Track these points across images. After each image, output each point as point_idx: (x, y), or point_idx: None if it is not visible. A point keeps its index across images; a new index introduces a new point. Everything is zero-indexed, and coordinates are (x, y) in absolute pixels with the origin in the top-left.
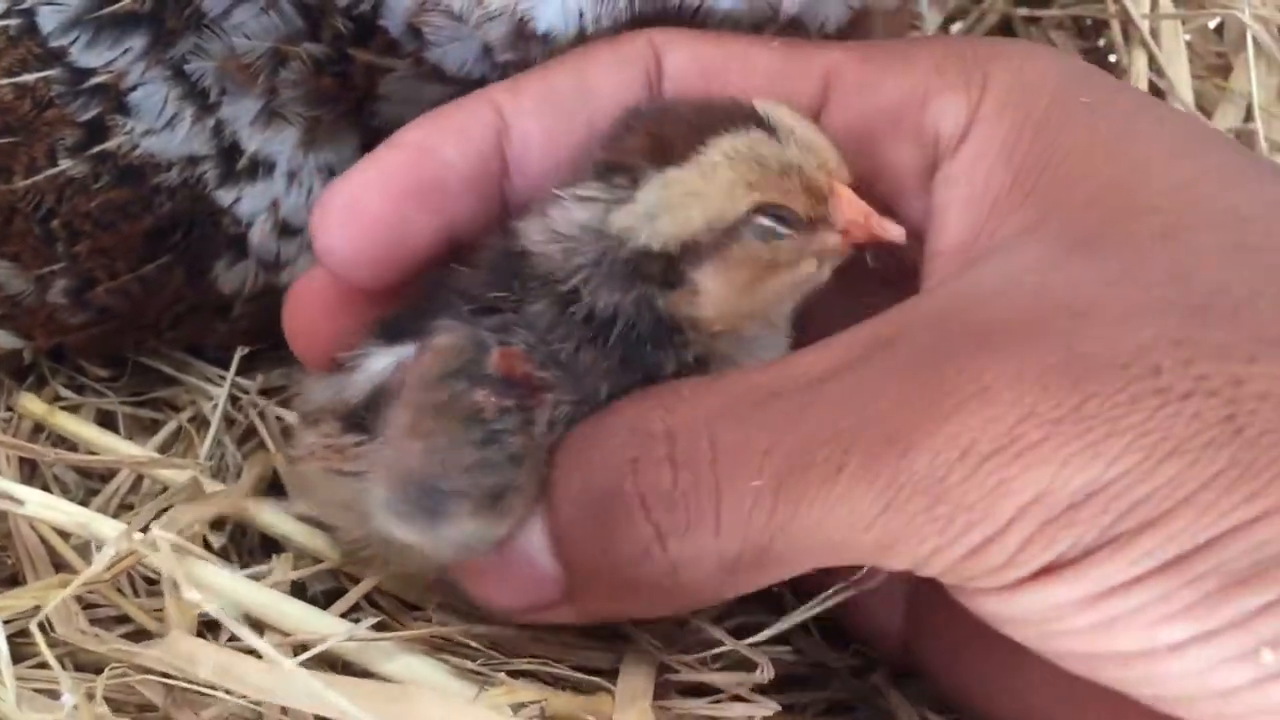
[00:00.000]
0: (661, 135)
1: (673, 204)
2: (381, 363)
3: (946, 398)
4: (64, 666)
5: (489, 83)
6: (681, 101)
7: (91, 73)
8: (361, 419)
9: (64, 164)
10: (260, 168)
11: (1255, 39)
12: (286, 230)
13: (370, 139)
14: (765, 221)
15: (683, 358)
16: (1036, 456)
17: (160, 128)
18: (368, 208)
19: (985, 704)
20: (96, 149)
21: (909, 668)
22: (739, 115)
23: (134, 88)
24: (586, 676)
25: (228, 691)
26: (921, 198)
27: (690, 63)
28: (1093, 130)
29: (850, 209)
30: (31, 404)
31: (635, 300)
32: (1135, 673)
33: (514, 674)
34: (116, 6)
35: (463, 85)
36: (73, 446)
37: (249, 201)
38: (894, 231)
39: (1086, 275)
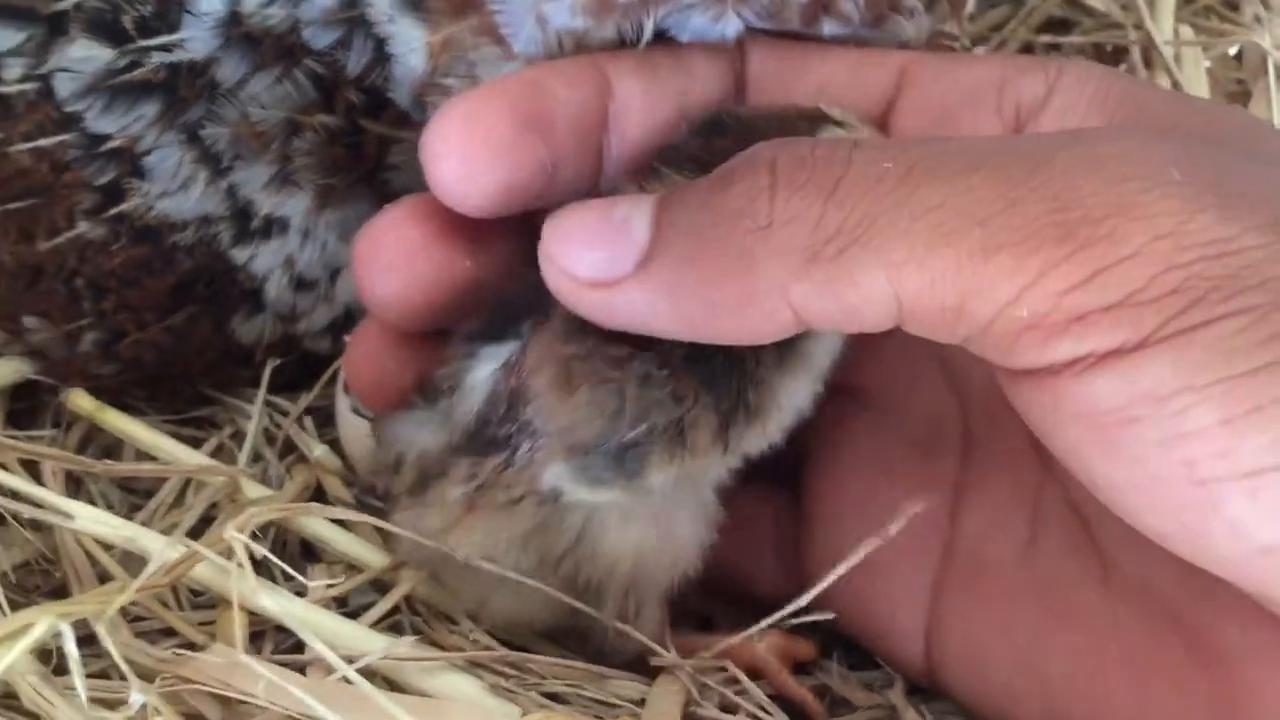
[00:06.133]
0: (754, 132)
1: None
2: (486, 369)
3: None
4: (109, 678)
5: None
6: (762, 106)
7: (107, 138)
8: (491, 436)
9: (82, 226)
10: (274, 226)
11: (1275, 66)
12: (302, 284)
13: (385, 202)
14: None
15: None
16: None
17: (175, 190)
18: (489, 125)
19: (1010, 704)
20: (113, 211)
21: (930, 684)
22: (816, 118)
23: (148, 151)
24: (619, 702)
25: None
26: None
27: (770, 50)
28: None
29: None
30: (81, 400)
31: None
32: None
33: (547, 695)
34: (131, 75)
35: None
36: (118, 454)
37: (263, 259)
38: None
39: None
